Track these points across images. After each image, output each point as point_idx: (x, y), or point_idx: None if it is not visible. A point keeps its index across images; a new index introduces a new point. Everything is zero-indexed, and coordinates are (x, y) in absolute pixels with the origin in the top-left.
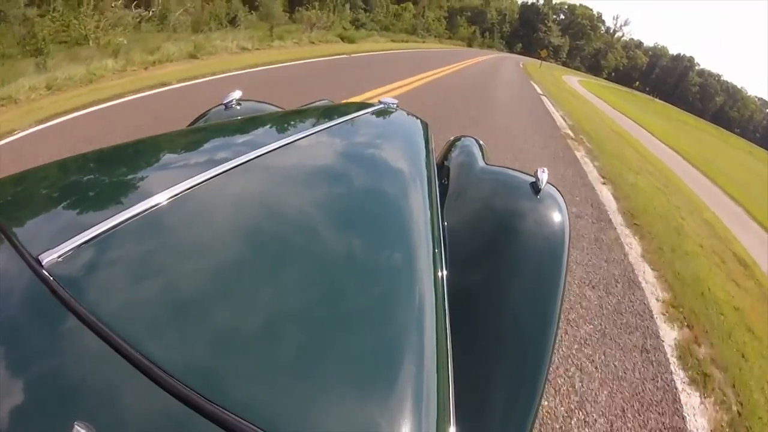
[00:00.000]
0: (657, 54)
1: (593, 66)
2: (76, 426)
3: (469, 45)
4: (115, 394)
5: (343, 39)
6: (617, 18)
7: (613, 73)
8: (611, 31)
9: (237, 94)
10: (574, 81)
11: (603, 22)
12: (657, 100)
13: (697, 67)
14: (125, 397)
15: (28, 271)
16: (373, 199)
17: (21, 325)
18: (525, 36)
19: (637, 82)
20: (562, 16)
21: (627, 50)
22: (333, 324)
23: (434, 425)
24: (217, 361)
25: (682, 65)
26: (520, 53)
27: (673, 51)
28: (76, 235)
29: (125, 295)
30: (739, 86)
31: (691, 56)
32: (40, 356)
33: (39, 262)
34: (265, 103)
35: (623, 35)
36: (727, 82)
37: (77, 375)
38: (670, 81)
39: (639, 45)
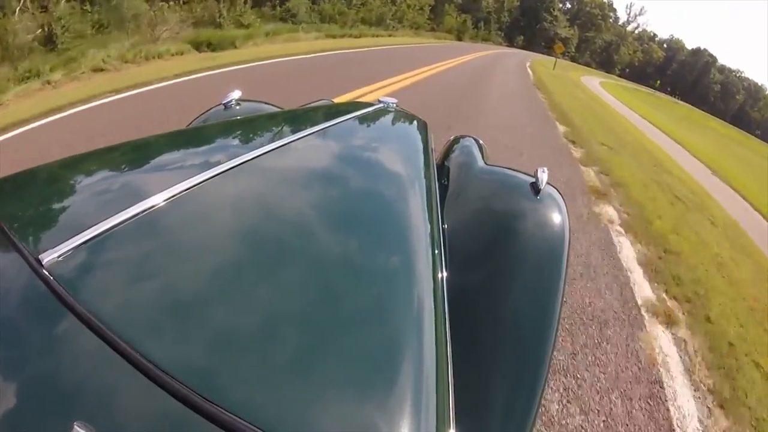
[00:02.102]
0: (673, 48)
1: (605, 61)
2: (75, 426)
3: (459, 38)
4: (115, 395)
5: (199, 47)
6: (630, 7)
7: (627, 69)
8: (624, 23)
9: (236, 94)
10: (596, 83)
11: (614, 10)
12: (680, 102)
13: (715, 63)
14: (125, 398)
15: (28, 271)
16: (372, 200)
17: (21, 325)
18: (527, 27)
19: (658, 81)
20: (568, 5)
21: (641, 43)
22: (332, 325)
23: (434, 426)
24: (217, 362)
25: (702, 61)
26: (521, 47)
27: (687, 44)
28: (76, 235)
29: (125, 296)
30: (759, 83)
31: (706, 49)
32: (40, 356)
33: (39, 262)
34: (265, 103)
35: (638, 26)
36: (749, 80)
37: (77, 375)
38: (688, 78)
39: (653, 38)
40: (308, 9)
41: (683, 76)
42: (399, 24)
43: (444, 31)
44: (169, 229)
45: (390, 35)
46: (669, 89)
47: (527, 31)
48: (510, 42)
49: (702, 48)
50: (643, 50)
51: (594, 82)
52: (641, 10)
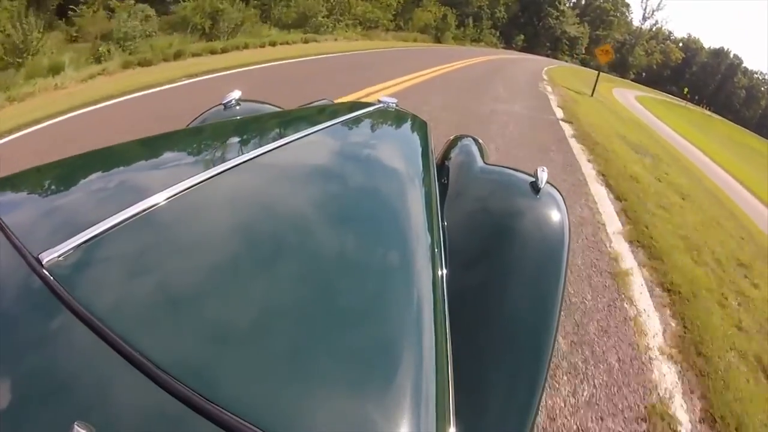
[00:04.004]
0: (691, 48)
1: (618, 64)
2: (75, 426)
3: (437, 39)
4: (115, 394)
5: None
6: (647, 1)
7: (643, 73)
8: (640, 21)
9: (236, 94)
10: (633, 101)
11: (627, 5)
12: (714, 115)
13: (740, 65)
14: (125, 397)
15: (28, 271)
16: (372, 199)
17: (21, 324)
18: (528, 24)
19: (686, 89)
20: None
21: (657, 42)
22: (333, 323)
23: (433, 424)
24: (218, 361)
25: (726, 63)
26: (521, 50)
27: (703, 44)
28: (76, 235)
29: (126, 295)
30: None
31: (729, 50)
32: (41, 356)
33: (39, 262)
34: (265, 103)
35: (656, 23)
36: None
37: (77, 375)
38: (710, 83)
39: (668, 36)
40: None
41: (704, 80)
42: (336, 25)
43: (416, 30)
44: (168, 228)
45: (306, 41)
46: (696, 97)
47: (528, 28)
48: (507, 43)
49: (725, 48)
50: (660, 51)
51: (630, 98)
52: (659, 4)
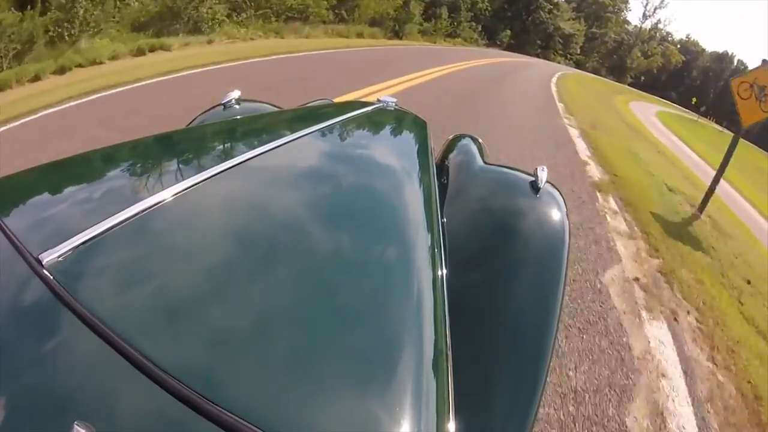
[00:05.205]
0: (690, 51)
1: (615, 66)
2: (75, 426)
3: (397, 35)
4: (115, 395)
5: None
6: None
7: (642, 77)
8: (640, 19)
9: (236, 94)
10: (655, 120)
11: (626, 2)
12: (725, 130)
13: (745, 71)
14: (125, 398)
15: (28, 271)
16: (372, 198)
17: (21, 325)
18: (516, 18)
19: (695, 99)
20: None
21: (656, 44)
22: (333, 323)
23: (434, 423)
24: (218, 361)
25: (729, 69)
26: (508, 48)
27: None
28: (76, 235)
29: (125, 295)
30: None
31: (733, 54)
32: (40, 356)
33: (39, 262)
34: (264, 102)
35: (659, 22)
36: None
37: (77, 375)
38: (711, 90)
39: (666, 37)
40: None
41: (705, 86)
42: (230, 16)
43: (365, 22)
44: (169, 228)
45: (137, 54)
46: (704, 108)
47: (516, 23)
48: (491, 39)
49: (730, 53)
50: (660, 53)
51: (650, 116)
52: (662, 1)
